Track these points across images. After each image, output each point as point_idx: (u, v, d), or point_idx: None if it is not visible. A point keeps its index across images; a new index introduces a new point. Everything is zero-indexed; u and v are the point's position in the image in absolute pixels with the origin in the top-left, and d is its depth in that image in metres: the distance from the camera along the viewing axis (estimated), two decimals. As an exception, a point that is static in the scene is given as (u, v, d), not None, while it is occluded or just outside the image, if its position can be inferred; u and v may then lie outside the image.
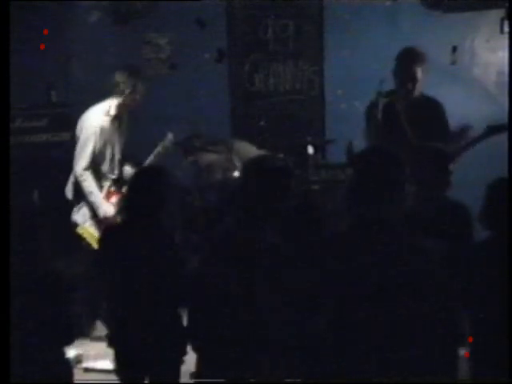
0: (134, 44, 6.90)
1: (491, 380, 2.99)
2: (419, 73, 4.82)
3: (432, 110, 4.92)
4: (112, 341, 3.63)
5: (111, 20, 6.87)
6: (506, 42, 5.89)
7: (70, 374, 3.45)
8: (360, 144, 4.93)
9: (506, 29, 6.09)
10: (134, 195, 3.66)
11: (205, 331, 3.22)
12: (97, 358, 4.74)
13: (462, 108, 5.97)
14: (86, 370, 4.72)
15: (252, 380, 3.04)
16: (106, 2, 6.82)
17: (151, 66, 6.94)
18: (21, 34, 6.25)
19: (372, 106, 4.99)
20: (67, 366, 3.42)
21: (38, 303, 3.15)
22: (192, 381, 4.20)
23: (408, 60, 4.85)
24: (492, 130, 4.66)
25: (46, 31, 6.38)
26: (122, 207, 4.15)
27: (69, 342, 3.38)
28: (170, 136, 5.55)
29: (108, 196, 5.35)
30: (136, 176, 3.80)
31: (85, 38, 6.76)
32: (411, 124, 4.84)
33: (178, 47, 6.87)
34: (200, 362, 3.30)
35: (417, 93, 4.88)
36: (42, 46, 6.23)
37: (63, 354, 3.36)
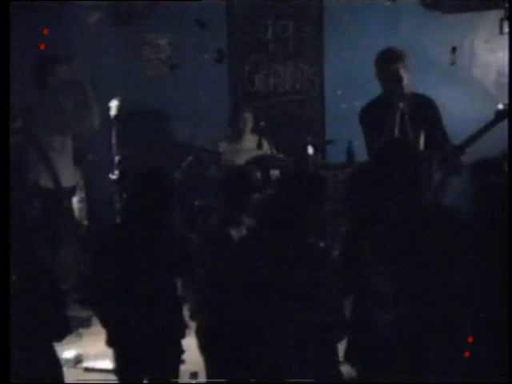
0: (134, 44, 6.90)
1: (491, 380, 3.00)
2: (402, 70, 4.81)
3: (425, 107, 4.92)
4: (112, 341, 3.64)
5: (111, 20, 6.87)
6: (505, 42, 5.89)
7: (60, 373, 3.34)
8: (360, 144, 4.94)
9: (506, 29, 6.09)
10: (136, 196, 3.69)
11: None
12: (97, 357, 4.74)
13: (462, 108, 5.98)
14: (86, 369, 4.72)
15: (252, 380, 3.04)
16: (107, 2, 6.82)
17: (151, 66, 6.95)
18: (21, 34, 6.24)
19: (368, 108, 4.98)
20: (56, 365, 3.31)
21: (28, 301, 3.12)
22: (192, 381, 4.22)
23: (388, 60, 4.84)
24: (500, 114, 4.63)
25: (45, 31, 6.37)
26: (124, 208, 4.16)
27: (58, 337, 3.27)
28: None
29: None
30: (138, 177, 3.81)
31: (85, 38, 6.75)
32: (409, 122, 4.84)
33: (178, 48, 6.86)
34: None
35: (407, 91, 4.87)
36: (42, 46, 6.21)
37: (52, 352, 3.26)
